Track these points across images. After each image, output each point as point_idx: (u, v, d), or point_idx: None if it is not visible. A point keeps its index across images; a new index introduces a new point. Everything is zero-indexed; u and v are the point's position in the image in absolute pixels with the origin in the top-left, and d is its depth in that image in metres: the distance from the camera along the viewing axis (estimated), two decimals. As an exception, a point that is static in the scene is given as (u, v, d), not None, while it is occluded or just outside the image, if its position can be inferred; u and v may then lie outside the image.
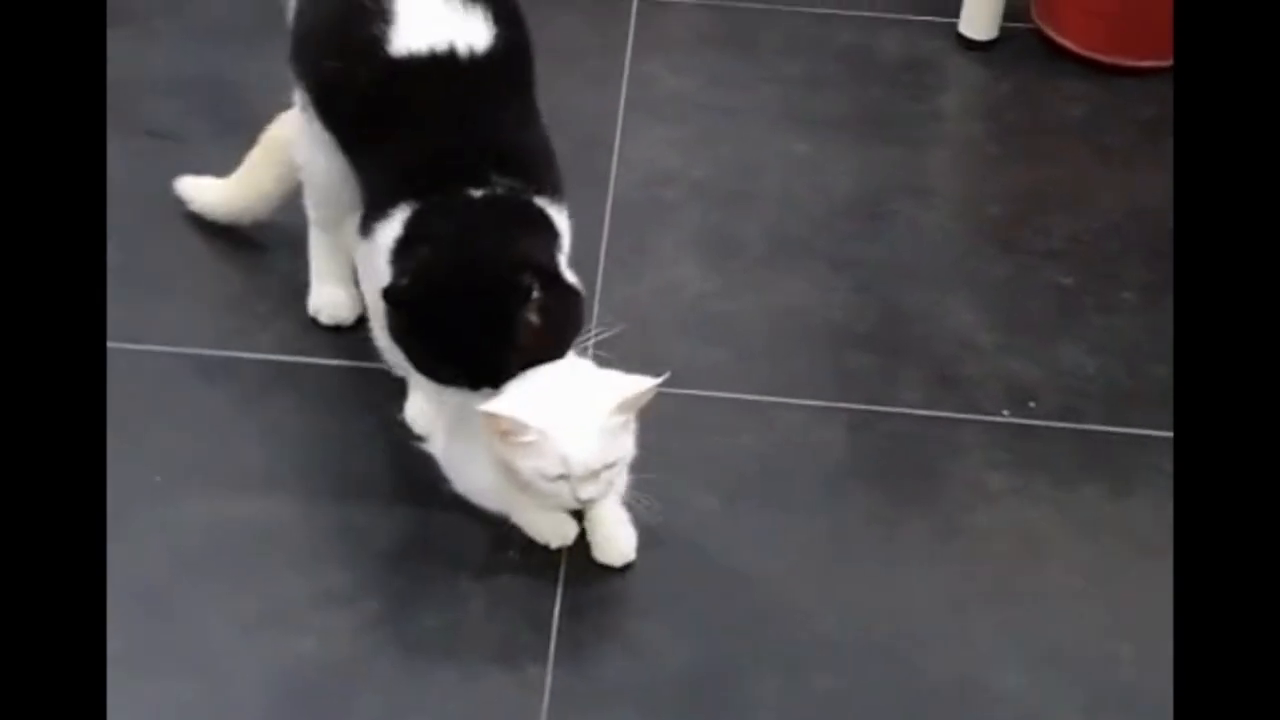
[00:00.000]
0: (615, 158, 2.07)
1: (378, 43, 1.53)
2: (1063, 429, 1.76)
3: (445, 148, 1.53)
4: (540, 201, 1.54)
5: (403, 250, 1.51)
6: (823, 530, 1.65)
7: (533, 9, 2.28)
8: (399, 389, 1.69)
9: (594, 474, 1.47)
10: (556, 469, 1.46)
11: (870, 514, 1.66)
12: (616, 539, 1.58)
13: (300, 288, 1.82)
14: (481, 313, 1.47)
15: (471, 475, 1.59)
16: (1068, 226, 2.02)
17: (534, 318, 1.47)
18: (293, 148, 1.74)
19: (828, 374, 1.81)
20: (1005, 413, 1.77)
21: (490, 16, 1.55)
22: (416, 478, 1.64)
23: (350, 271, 1.78)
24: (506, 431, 1.46)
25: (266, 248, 1.88)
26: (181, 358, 1.77)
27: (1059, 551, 1.64)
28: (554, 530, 1.57)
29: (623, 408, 1.47)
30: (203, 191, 1.89)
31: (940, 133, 2.22)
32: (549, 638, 1.52)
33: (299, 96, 1.67)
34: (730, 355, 1.82)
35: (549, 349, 1.50)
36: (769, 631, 1.54)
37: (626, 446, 1.49)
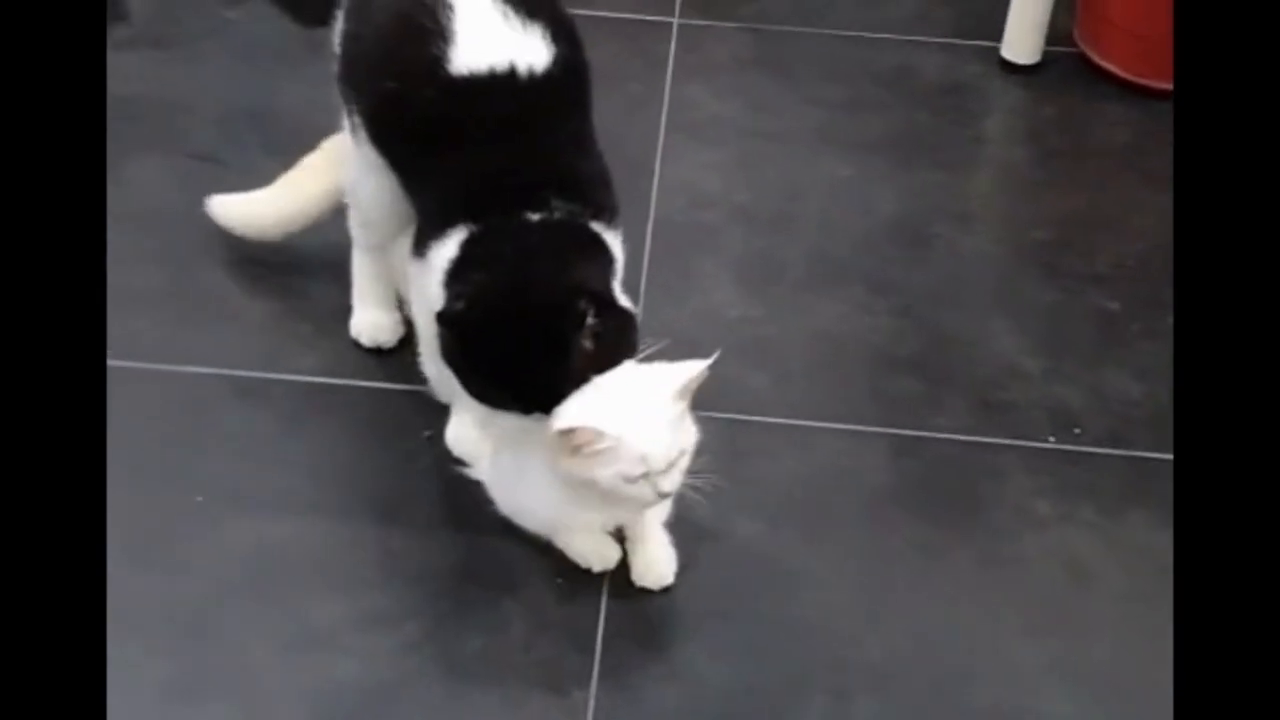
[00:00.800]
0: (656, 181, 2.07)
1: (438, 63, 1.52)
2: (1109, 455, 1.74)
3: (504, 169, 1.52)
4: (596, 226, 1.53)
5: (458, 273, 1.51)
6: (866, 556, 1.63)
7: (574, 32, 2.30)
8: (441, 411, 1.69)
9: (671, 465, 1.47)
10: (638, 469, 1.45)
11: (914, 540, 1.65)
12: (658, 562, 1.57)
13: (342, 310, 1.82)
14: (536, 338, 1.46)
15: (519, 497, 1.58)
16: (1112, 251, 2.00)
17: (588, 343, 1.46)
18: (341, 171, 1.74)
19: (870, 399, 1.80)
20: (1050, 439, 1.76)
21: (549, 36, 1.54)
22: (458, 500, 1.64)
23: (393, 294, 1.78)
24: (580, 444, 1.45)
25: (309, 270, 1.88)
26: (223, 379, 1.77)
27: (1105, 579, 1.62)
28: (597, 554, 1.57)
29: (680, 394, 1.47)
30: (234, 206, 1.89)
31: (982, 156, 2.21)
32: (592, 661, 1.51)
33: (348, 119, 1.67)
34: (772, 379, 1.81)
35: (599, 374, 1.48)
36: (813, 656, 1.53)
37: (691, 432, 1.49)
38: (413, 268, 1.60)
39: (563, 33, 1.56)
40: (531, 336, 1.46)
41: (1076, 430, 1.77)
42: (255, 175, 1.98)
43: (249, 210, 1.88)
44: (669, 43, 2.30)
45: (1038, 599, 1.60)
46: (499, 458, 1.60)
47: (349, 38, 1.65)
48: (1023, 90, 2.26)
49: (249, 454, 1.69)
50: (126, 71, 2.16)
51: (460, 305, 1.47)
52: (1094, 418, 1.78)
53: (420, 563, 1.59)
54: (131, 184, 2.00)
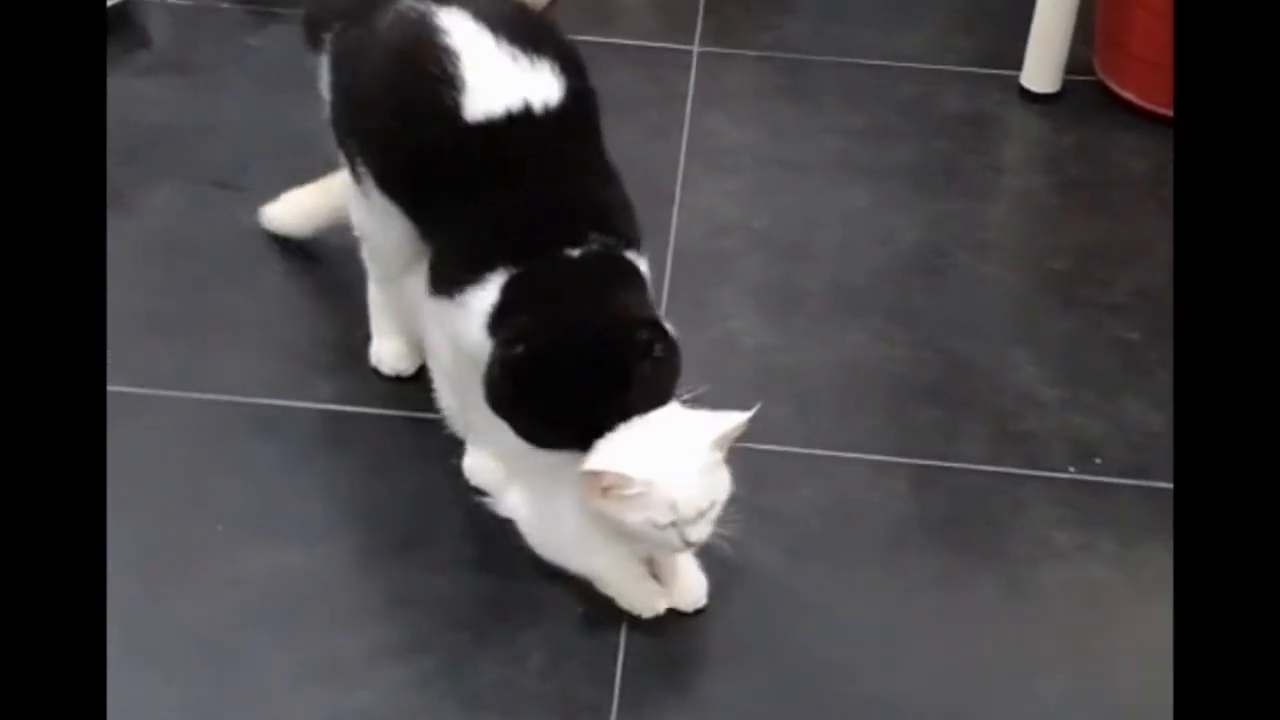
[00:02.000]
0: (676, 209, 2.07)
1: (452, 111, 1.51)
2: (1129, 486, 1.73)
3: (534, 207, 1.51)
4: (630, 255, 1.53)
5: (504, 317, 1.49)
6: (886, 587, 1.63)
7: (594, 60, 2.29)
8: (455, 442, 1.69)
9: (701, 515, 1.46)
10: (666, 516, 1.45)
11: (933, 570, 1.64)
12: (690, 585, 1.56)
13: (361, 339, 1.82)
14: (602, 373, 1.45)
15: (549, 533, 1.57)
16: (1131, 280, 2.00)
17: (649, 371, 1.46)
18: (350, 212, 1.73)
19: (889, 428, 1.80)
20: (1070, 469, 1.75)
21: (558, 69, 1.54)
22: (477, 529, 1.63)
23: (409, 323, 1.78)
24: (610, 487, 1.45)
25: (329, 297, 1.89)
26: (243, 407, 1.77)
27: (1126, 611, 1.61)
28: (644, 602, 1.55)
29: (718, 444, 1.47)
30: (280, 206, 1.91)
31: (1002, 185, 2.21)
32: (611, 694, 1.50)
33: (349, 165, 1.66)
34: (791, 408, 1.81)
35: (657, 402, 1.48)
36: (834, 688, 1.52)
37: (725, 483, 1.49)
38: (433, 305, 1.59)
39: (570, 63, 1.56)
40: (597, 371, 1.45)
41: (1096, 460, 1.76)
42: (275, 201, 1.99)
43: (290, 204, 1.90)
44: (689, 70, 2.30)
45: (1057, 631, 1.59)
46: (528, 494, 1.59)
47: (342, 87, 1.63)
48: (1042, 119, 2.26)
49: (268, 483, 1.69)
50: (147, 98, 2.17)
51: (520, 349, 1.45)
52: (1114, 448, 1.78)
53: (438, 592, 1.59)
54: (151, 210, 2.01)
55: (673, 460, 1.45)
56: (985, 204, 2.15)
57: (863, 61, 2.34)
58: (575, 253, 1.49)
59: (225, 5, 2.34)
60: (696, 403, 1.57)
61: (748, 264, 2.00)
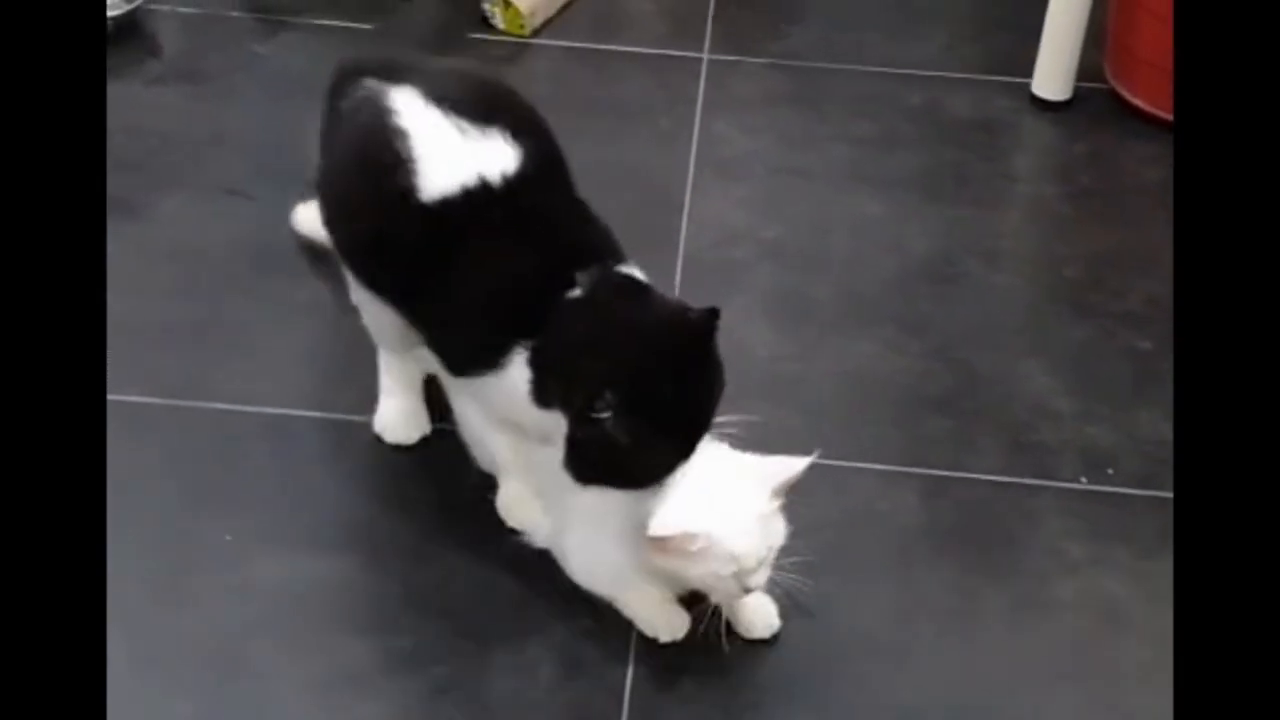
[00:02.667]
0: (685, 217, 2.06)
1: (409, 194, 1.48)
2: (1142, 497, 1.73)
3: (519, 273, 1.47)
4: (625, 269, 1.51)
5: (550, 383, 1.44)
6: (897, 598, 1.62)
7: (604, 69, 2.30)
8: (467, 451, 1.69)
9: (762, 561, 1.45)
10: (729, 568, 1.44)
11: (945, 583, 1.64)
12: (761, 610, 1.55)
13: (369, 349, 1.80)
14: (690, 363, 1.43)
15: (592, 566, 1.55)
16: (1144, 289, 1.99)
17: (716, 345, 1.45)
18: (351, 295, 1.70)
19: (900, 438, 1.79)
20: (1083, 480, 1.75)
21: (509, 135, 1.50)
22: (489, 540, 1.63)
23: (420, 385, 1.74)
24: (674, 548, 1.43)
25: (337, 307, 1.88)
26: (252, 416, 1.77)
27: (1139, 624, 1.60)
28: (666, 625, 1.54)
29: (777, 492, 1.46)
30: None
31: (1013, 194, 2.20)
32: (621, 705, 1.50)
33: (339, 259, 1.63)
34: (802, 418, 1.80)
35: (722, 389, 1.47)
36: (841, 700, 1.52)
37: (782, 528, 1.48)
38: (455, 382, 1.57)
39: (525, 125, 1.53)
40: (686, 363, 1.43)
41: (1109, 471, 1.76)
42: (286, 209, 1.99)
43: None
44: (699, 78, 2.30)
45: (1070, 643, 1.59)
46: (569, 525, 1.57)
47: (320, 173, 1.62)
48: (1053, 127, 2.25)
49: (278, 492, 1.69)
50: (158, 107, 2.17)
51: (610, 396, 1.40)
52: (1127, 458, 1.77)
53: (449, 603, 1.58)
54: (162, 218, 2.01)
55: (733, 512, 1.44)
56: (996, 212, 2.14)
57: (872, 69, 2.33)
58: (576, 293, 1.46)
59: (235, 14, 2.34)
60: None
61: (757, 273, 2.00)
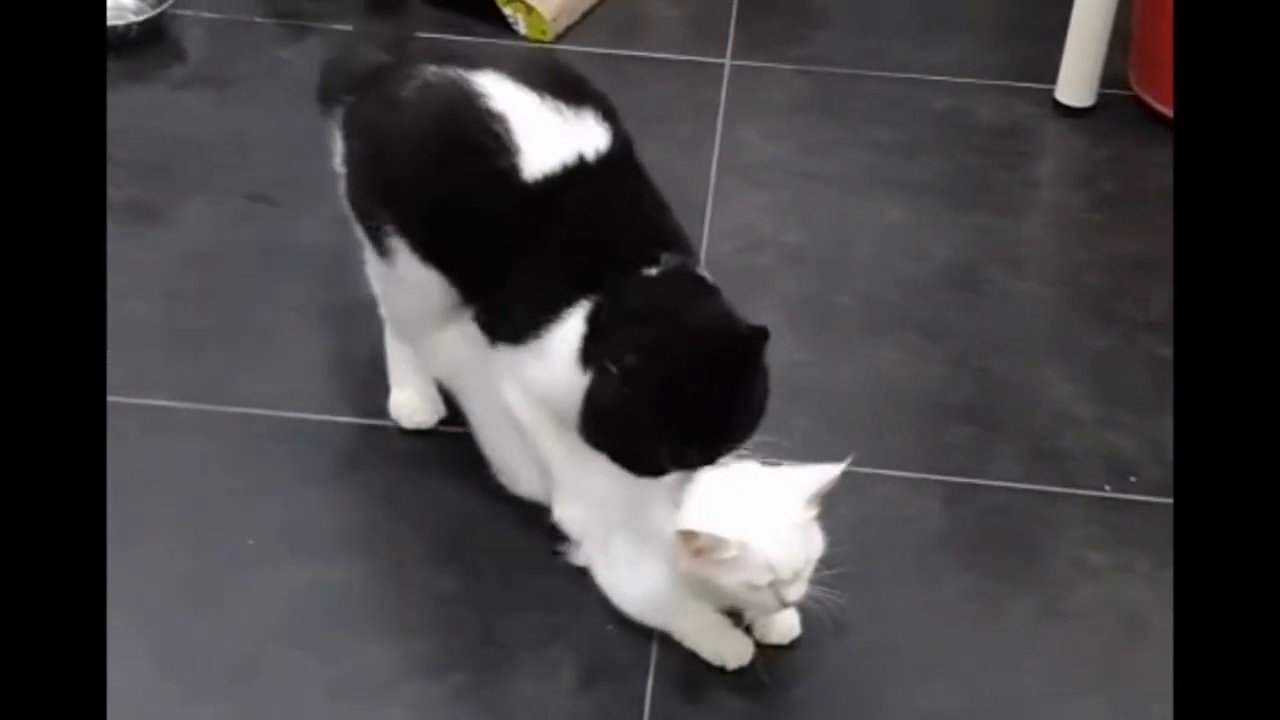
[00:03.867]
0: (707, 223, 2.06)
1: (509, 175, 1.51)
2: (1165, 505, 1.72)
3: (604, 241, 1.51)
4: (706, 275, 1.53)
5: (597, 341, 1.47)
6: (919, 606, 1.62)
7: (626, 74, 2.30)
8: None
9: (797, 574, 1.43)
10: (764, 578, 1.42)
11: (967, 591, 1.63)
12: (780, 617, 1.53)
13: (394, 352, 1.83)
14: (721, 367, 1.44)
15: (638, 592, 1.54)
16: (1167, 297, 1.98)
17: (763, 367, 1.46)
18: (369, 277, 1.71)
19: (923, 445, 1.79)
20: (1106, 487, 1.74)
21: (599, 115, 1.55)
22: (510, 545, 1.63)
23: (431, 371, 1.74)
24: (703, 549, 1.42)
25: (361, 311, 1.88)
26: (275, 421, 1.77)
27: (1162, 633, 1.59)
28: (732, 651, 1.52)
29: (812, 501, 1.45)
30: None
31: (1037, 200, 2.20)
32: (642, 711, 1.50)
33: (371, 239, 1.63)
34: (824, 425, 1.80)
35: (765, 404, 1.48)
36: (863, 708, 1.52)
37: (819, 540, 1.46)
38: (503, 356, 1.57)
39: (607, 109, 1.57)
40: (717, 365, 1.44)
41: (1132, 479, 1.75)
42: (309, 216, 2.00)
43: None
44: (721, 84, 2.30)
45: (1092, 652, 1.58)
46: (611, 547, 1.56)
47: (367, 160, 1.61)
48: (1077, 133, 2.25)
49: (300, 497, 1.69)
50: (182, 111, 2.18)
51: (631, 359, 1.43)
52: (1149, 466, 1.76)
53: (470, 608, 1.58)
54: (186, 224, 2.02)
55: (768, 520, 1.42)
56: (1019, 219, 2.14)
57: (895, 75, 2.33)
58: (653, 271, 1.49)
59: (259, 19, 2.34)
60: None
61: (779, 278, 2.00)
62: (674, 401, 1.44)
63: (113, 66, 2.22)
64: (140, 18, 2.28)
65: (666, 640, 1.55)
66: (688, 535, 1.41)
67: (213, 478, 1.71)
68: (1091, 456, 1.77)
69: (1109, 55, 2.25)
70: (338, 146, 1.67)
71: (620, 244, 1.51)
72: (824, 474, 1.45)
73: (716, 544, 1.41)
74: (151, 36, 2.27)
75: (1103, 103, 2.26)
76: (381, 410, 1.77)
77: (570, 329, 1.49)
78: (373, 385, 1.81)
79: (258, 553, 1.63)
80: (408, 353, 1.74)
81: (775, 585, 1.43)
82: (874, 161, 2.18)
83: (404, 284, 1.63)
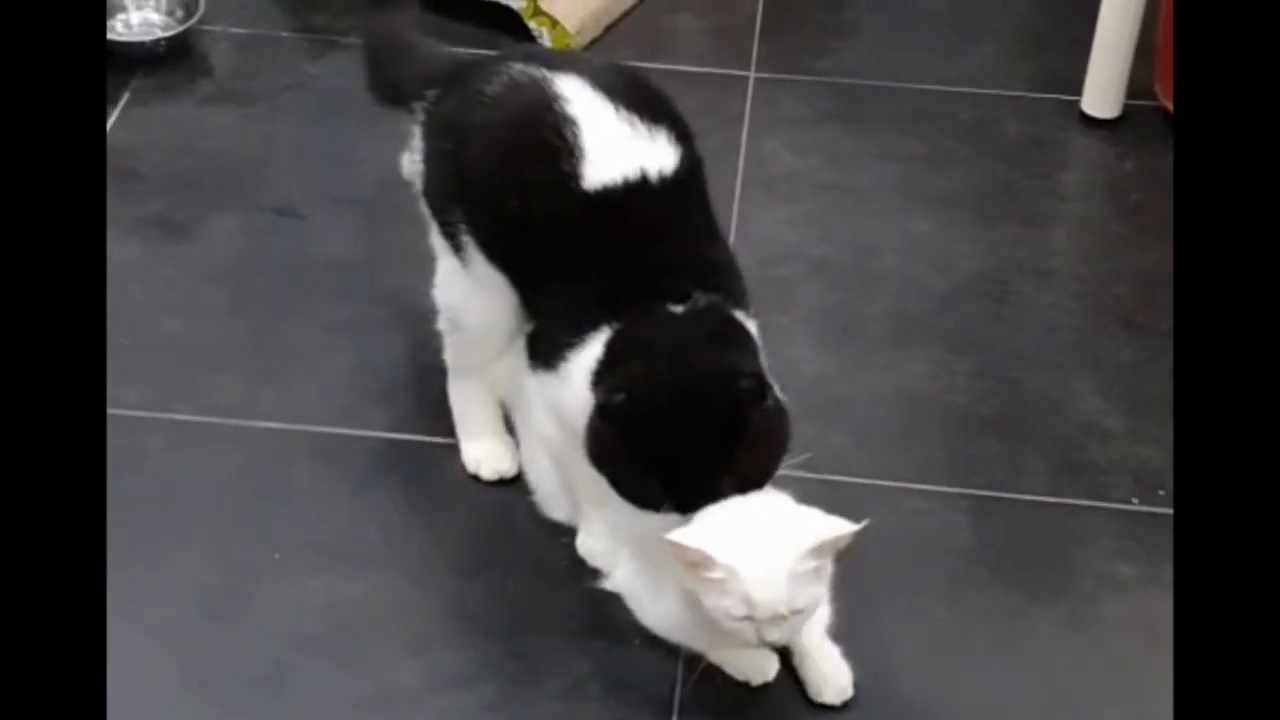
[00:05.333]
0: (733, 236, 2.05)
1: (570, 179, 1.50)
2: (1194, 518, 1.71)
3: (641, 268, 1.50)
4: (739, 315, 1.51)
5: (607, 369, 1.46)
6: (946, 619, 1.61)
7: (650, 87, 2.30)
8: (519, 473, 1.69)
9: (780, 618, 1.40)
10: (741, 610, 1.39)
11: (996, 604, 1.63)
12: (833, 675, 1.51)
13: (419, 366, 1.83)
14: (705, 422, 1.42)
15: (660, 611, 1.53)
16: (1196, 308, 1.97)
17: (754, 427, 1.42)
18: (439, 293, 1.70)
19: (950, 458, 1.78)
20: (1134, 500, 1.73)
21: (672, 137, 1.54)
22: (535, 559, 1.63)
23: (500, 416, 1.73)
24: (693, 564, 1.40)
25: (388, 325, 1.89)
26: (302, 435, 1.78)
27: (1192, 646, 1.59)
28: (754, 667, 1.51)
29: (817, 552, 1.40)
30: None
31: (1063, 212, 2.19)
32: (669, 725, 1.50)
33: (447, 239, 1.63)
34: (850, 438, 1.79)
35: (761, 468, 1.44)
36: (891, 723, 1.51)
37: (817, 594, 1.42)
38: (535, 380, 1.57)
39: (682, 132, 1.56)
40: (699, 420, 1.41)
41: (1161, 492, 1.74)
42: (336, 230, 2.01)
43: None
44: (745, 97, 2.30)
45: (1121, 665, 1.58)
46: (637, 569, 1.55)
47: (445, 155, 1.61)
48: (1103, 144, 2.24)
49: (327, 510, 1.70)
50: (209, 127, 2.19)
51: (620, 397, 1.42)
52: (1179, 479, 1.75)
53: (496, 622, 1.59)
54: (213, 238, 2.02)
55: (762, 554, 1.39)
56: (1046, 231, 2.13)
57: (920, 86, 2.32)
58: (679, 309, 1.47)
59: (285, 34, 2.35)
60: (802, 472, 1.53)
61: (806, 291, 1.99)
62: (650, 448, 1.42)
63: (140, 82, 2.23)
64: (168, 33, 2.29)
65: (693, 656, 1.55)
66: (675, 547, 1.40)
67: (239, 492, 1.71)
68: (1120, 469, 1.76)
69: (1134, 66, 2.24)
70: (415, 144, 1.66)
71: (658, 274, 1.49)
72: (833, 528, 1.41)
73: (703, 561, 1.39)
74: (179, 52, 2.28)
75: (1128, 114, 2.25)
76: (407, 424, 1.78)
77: (590, 354, 1.48)
78: (399, 399, 1.81)
79: (284, 566, 1.63)
80: (475, 399, 1.72)
81: (754, 621, 1.39)
82: (899, 173, 2.18)
83: (477, 288, 1.62)
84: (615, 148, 1.51)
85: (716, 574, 1.39)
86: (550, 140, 1.51)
